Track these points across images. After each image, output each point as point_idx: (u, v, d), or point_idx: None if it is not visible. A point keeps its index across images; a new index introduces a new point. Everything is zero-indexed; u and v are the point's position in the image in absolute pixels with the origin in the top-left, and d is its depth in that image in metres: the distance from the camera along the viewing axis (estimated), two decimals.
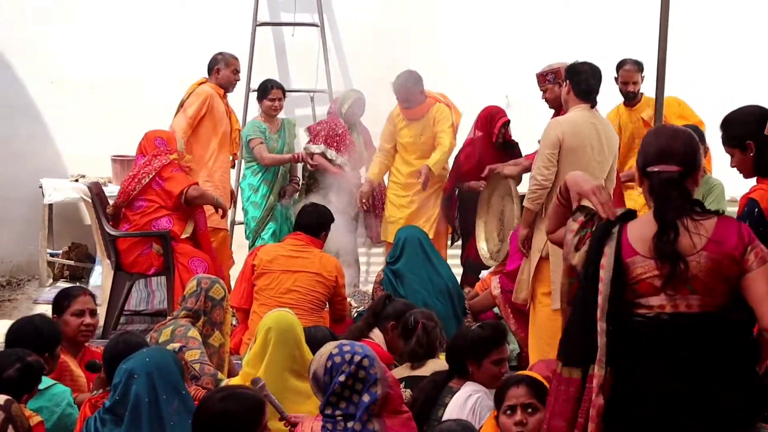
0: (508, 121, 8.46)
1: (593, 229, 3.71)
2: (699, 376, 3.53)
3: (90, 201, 8.44)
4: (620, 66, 8.95)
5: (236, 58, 8.80)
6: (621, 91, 8.98)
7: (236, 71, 8.79)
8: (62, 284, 10.05)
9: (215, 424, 3.92)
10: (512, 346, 7.17)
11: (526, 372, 4.83)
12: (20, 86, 10.34)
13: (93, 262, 9.99)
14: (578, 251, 3.71)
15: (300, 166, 9.21)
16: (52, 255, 10.08)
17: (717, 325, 3.57)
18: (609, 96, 8.48)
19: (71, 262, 10.18)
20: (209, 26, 10.27)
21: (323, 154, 8.86)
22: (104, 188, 8.64)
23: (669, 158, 3.70)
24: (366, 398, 4.37)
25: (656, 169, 3.70)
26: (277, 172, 9.10)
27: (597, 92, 6.68)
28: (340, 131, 8.94)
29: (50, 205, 9.95)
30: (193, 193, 7.87)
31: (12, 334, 5.21)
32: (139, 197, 7.92)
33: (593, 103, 6.66)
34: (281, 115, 9.30)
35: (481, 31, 10.36)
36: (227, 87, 8.72)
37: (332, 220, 7.57)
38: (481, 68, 10.29)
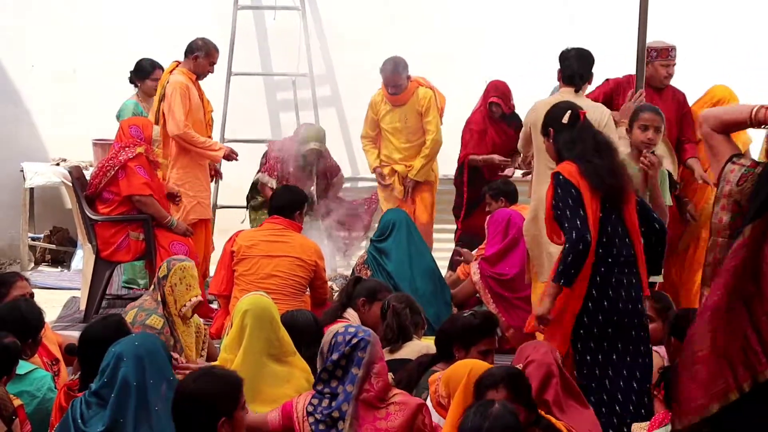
0: (495, 103, 8.51)
1: (758, 169, 3.95)
2: None
3: (71, 185, 8.42)
4: None
5: (217, 50, 8.52)
6: None
7: (213, 63, 8.49)
8: (44, 268, 10.08)
9: (192, 404, 3.90)
10: None
11: (506, 366, 4.59)
12: (0, 71, 10.31)
13: (74, 246, 10.00)
14: (740, 187, 3.97)
15: None
16: (33, 239, 10.07)
17: None
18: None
19: (53, 246, 10.18)
20: (190, 9, 10.24)
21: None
22: (85, 172, 8.63)
23: None
24: (347, 378, 4.49)
25: None
26: None
27: (582, 76, 6.91)
28: (290, 169, 8.79)
29: (31, 189, 9.94)
30: (139, 198, 7.85)
31: None
32: (106, 189, 7.90)
33: (578, 87, 6.86)
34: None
35: (464, 15, 10.36)
36: (199, 76, 8.49)
37: (305, 198, 7.51)
38: (465, 52, 10.30)
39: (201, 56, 8.35)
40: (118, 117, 8.92)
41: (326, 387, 4.55)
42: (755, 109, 4.04)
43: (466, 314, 5.34)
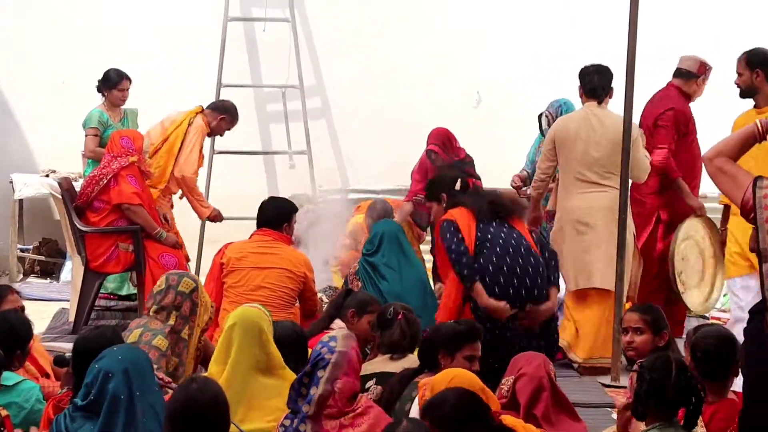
0: (433, 151, 8.41)
1: None
2: None
3: (60, 196, 8.42)
4: None
5: (238, 121, 8.79)
6: None
7: (229, 129, 8.77)
8: (33, 280, 10.06)
9: (205, 412, 3.92)
10: None
11: (453, 392, 4.42)
12: None
13: (63, 257, 9.98)
14: None
15: None
16: (22, 250, 10.06)
17: None
18: None
19: (42, 258, 10.17)
20: (180, 21, 10.26)
21: None
22: (74, 183, 8.62)
23: None
24: (307, 397, 4.51)
25: None
26: None
27: (604, 88, 7.33)
28: None
29: (20, 201, 9.92)
30: (128, 207, 7.87)
31: None
32: (97, 198, 7.92)
33: (600, 100, 7.31)
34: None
35: (464, 17, 10.37)
36: (211, 133, 8.71)
37: (294, 210, 7.33)
38: (453, 63, 10.32)
39: (227, 120, 8.65)
40: (84, 125, 8.95)
41: (295, 404, 4.55)
42: (758, 122, 4.19)
43: (449, 322, 5.41)
